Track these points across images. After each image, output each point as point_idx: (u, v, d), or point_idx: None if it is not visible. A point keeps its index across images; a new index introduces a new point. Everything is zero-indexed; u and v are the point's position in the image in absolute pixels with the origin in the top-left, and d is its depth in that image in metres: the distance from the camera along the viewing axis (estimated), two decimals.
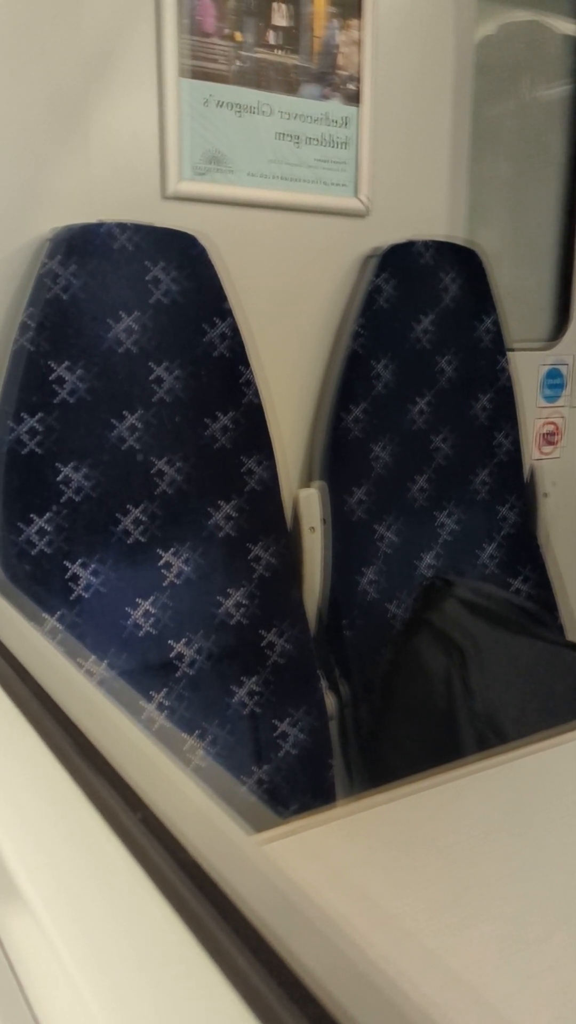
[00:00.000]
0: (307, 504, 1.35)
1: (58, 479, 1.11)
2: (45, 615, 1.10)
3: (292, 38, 1.30)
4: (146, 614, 1.17)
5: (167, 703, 1.17)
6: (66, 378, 1.11)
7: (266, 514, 1.27)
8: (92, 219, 1.14)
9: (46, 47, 1.13)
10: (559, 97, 1.70)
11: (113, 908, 0.34)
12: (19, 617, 0.74)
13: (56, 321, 1.10)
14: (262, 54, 1.28)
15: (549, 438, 1.74)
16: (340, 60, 1.35)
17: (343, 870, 0.58)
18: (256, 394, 1.25)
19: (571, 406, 1.76)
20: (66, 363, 1.10)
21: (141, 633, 1.16)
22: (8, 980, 0.36)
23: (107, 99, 1.18)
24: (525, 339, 1.67)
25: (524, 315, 1.69)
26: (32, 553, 1.09)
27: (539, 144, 1.69)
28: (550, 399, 1.72)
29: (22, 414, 1.08)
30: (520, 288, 1.69)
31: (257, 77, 1.28)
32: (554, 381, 1.72)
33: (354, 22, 1.35)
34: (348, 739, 1.36)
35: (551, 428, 1.74)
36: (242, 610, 1.24)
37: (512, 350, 1.53)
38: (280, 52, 1.29)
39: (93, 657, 1.12)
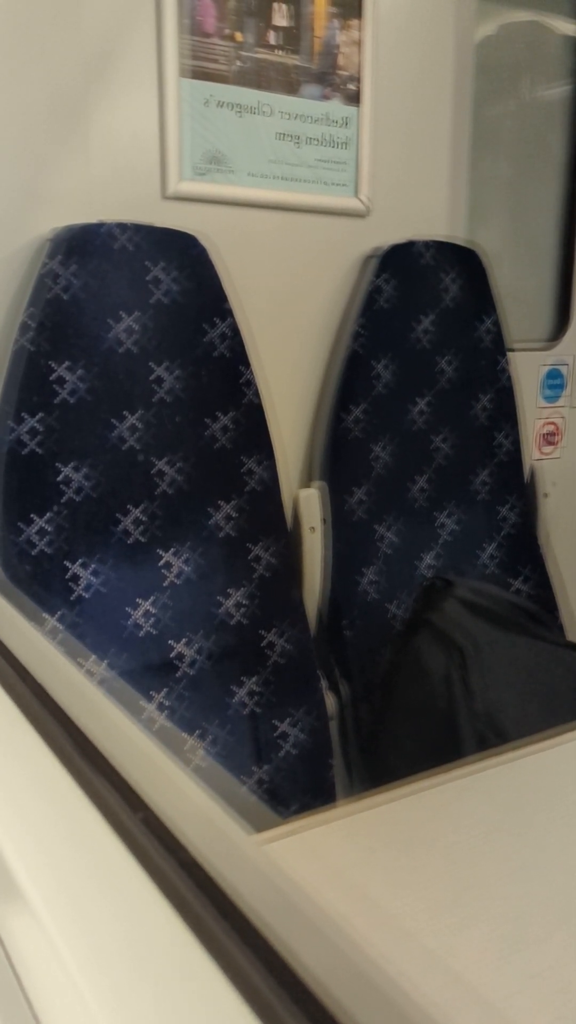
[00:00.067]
0: (307, 504, 1.35)
1: (58, 479, 1.11)
2: (45, 615, 1.10)
3: (292, 38, 1.30)
4: (146, 614, 1.17)
5: (167, 703, 1.17)
6: (66, 378, 1.11)
7: (266, 514, 1.27)
8: (92, 219, 1.15)
9: (46, 47, 1.13)
10: (559, 97, 1.70)
11: (114, 908, 0.34)
12: (19, 617, 0.74)
13: (56, 321, 1.10)
14: (262, 54, 1.28)
15: (549, 438, 1.74)
16: (340, 60, 1.35)
17: (343, 870, 0.59)
18: (256, 394, 1.25)
19: (571, 406, 1.76)
20: (66, 363, 1.10)
21: (141, 633, 1.16)
22: (9, 980, 0.36)
23: (107, 99, 1.18)
24: (525, 339, 1.67)
25: (524, 315, 1.69)
26: (32, 553, 1.09)
27: (539, 144, 1.69)
28: (550, 399, 1.73)
29: (22, 414, 1.08)
30: (520, 288, 1.69)
31: (257, 77, 1.28)
32: (554, 381, 1.72)
33: (354, 22, 1.35)
34: (348, 739, 1.36)
35: (551, 428, 1.74)
36: (242, 610, 1.24)
37: (512, 350, 1.53)
38: (280, 52, 1.29)
39: (93, 657, 1.12)
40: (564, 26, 1.66)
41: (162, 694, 1.17)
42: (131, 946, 0.32)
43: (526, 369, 1.63)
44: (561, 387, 1.73)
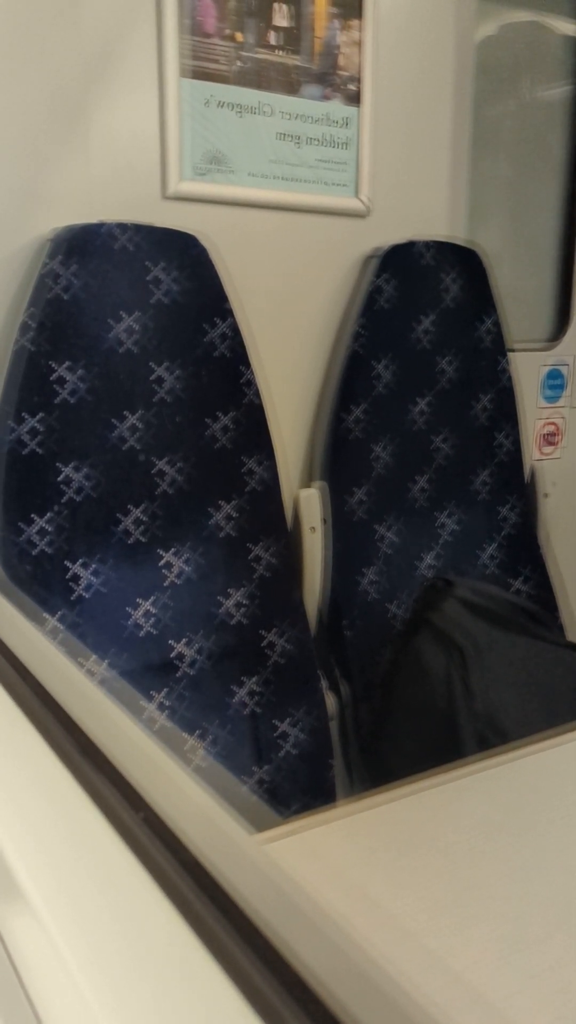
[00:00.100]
0: (307, 504, 1.35)
1: (59, 479, 1.11)
2: (46, 615, 1.10)
3: (293, 39, 1.30)
4: (147, 614, 1.17)
5: (168, 703, 1.17)
6: (67, 378, 1.11)
7: (267, 514, 1.27)
8: (93, 219, 1.15)
9: (47, 47, 1.13)
10: (559, 97, 1.70)
11: (115, 907, 0.34)
12: (20, 617, 0.74)
13: (57, 321, 1.10)
14: (263, 54, 1.28)
15: (549, 438, 1.74)
16: (341, 61, 1.35)
17: (344, 870, 0.59)
18: (257, 394, 1.25)
19: (571, 406, 1.76)
20: (67, 363, 1.11)
21: (142, 633, 1.16)
22: (11, 979, 0.36)
23: (108, 99, 1.18)
24: (526, 339, 1.67)
25: (525, 315, 1.69)
26: (33, 553, 1.09)
27: (539, 144, 1.69)
28: (550, 399, 1.73)
29: (23, 414, 1.08)
30: (521, 288, 1.69)
31: (258, 77, 1.28)
32: (554, 382, 1.72)
33: (355, 23, 1.35)
34: (348, 739, 1.36)
35: (551, 428, 1.74)
36: (243, 610, 1.24)
37: (513, 350, 1.53)
38: (281, 53, 1.29)
39: (94, 657, 1.12)
40: (564, 26, 1.66)
41: (162, 694, 1.17)
42: (132, 945, 0.32)
43: (526, 369, 1.64)
44: (561, 387, 1.73)
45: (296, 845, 0.61)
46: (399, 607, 1.40)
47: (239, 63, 1.26)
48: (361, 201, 1.41)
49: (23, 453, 1.08)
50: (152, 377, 1.17)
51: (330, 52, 1.34)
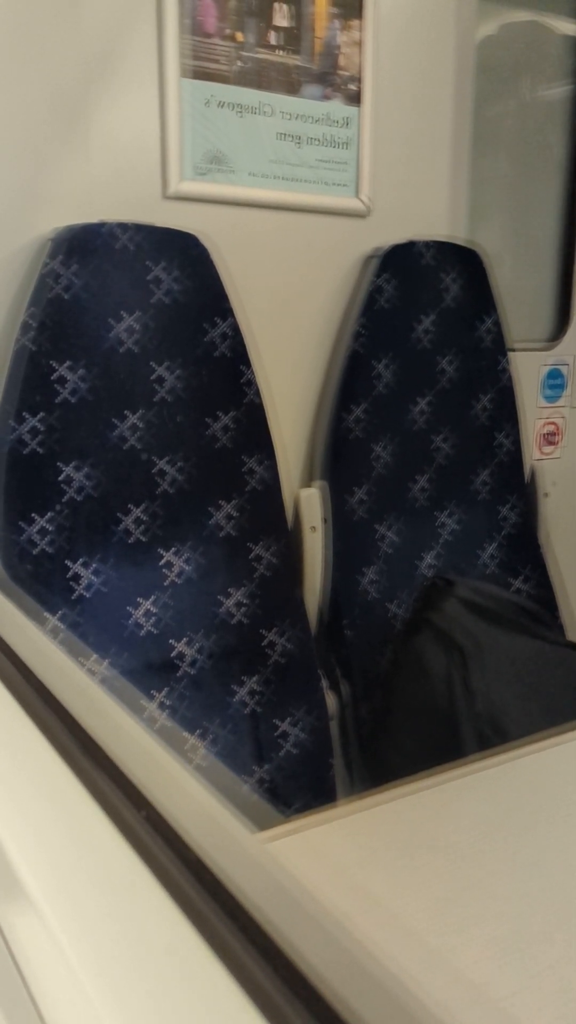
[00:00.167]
0: (308, 504, 1.35)
1: (59, 479, 1.11)
2: (47, 614, 1.10)
3: (293, 39, 1.30)
4: (147, 613, 1.17)
5: (168, 702, 1.17)
6: (68, 378, 1.11)
7: (267, 514, 1.27)
8: (93, 219, 1.15)
9: (47, 47, 1.13)
10: (559, 97, 1.70)
11: (117, 905, 0.34)
12: (21, 616, 0.74)
13: (58, 321, 1.10)
14: (263, 54, 1.28)
15: (550, 438, 1.74)
16: (341, 60, 1.35)
17: (345, 869, 0.59)
18: (257, 394, 1.25)
19: (572, 406, 1.76)
20: (68, 363, 1.11)
21: (142, 632, 1.17)
22: (13, 977, 0.36)
23: (108, 99, 1.18)
24: (526, 339, 1.67)
25: (525, 315, 1.69)
26: (34, 552, 1.09)
27: (540, 144, 1.69)
28: (551, 399, 1.73)
29: (24, 414, 1.08)
30: (521, 288, 1.69)
31: (258, 77, 1.28)
32: (555, 381, 1.72)
33: (355, 23, 1.35)
34: (349, 738, 1.36)
35: (552, 428, 1.74)
36: (243, 609, 1.24)
37: (513, 350, 1.53)
38: (281, 52, 1.29)
39: (95, 656, 1.12)
40: (564, 26, 1.66)
41: (163, 693, 1.17)
42: (134, 943, 0.32)
43: (526, 369, 1.64)
44: (561, 387, 1.74)
45: (297, 844, 0.61)
46: (399, 607, 1.40)
47: (239, 63, 1.26)
48: (361, 201, 1.41)
49: (24, 452, 1.09)
50: (153, 377, 1.17)
51: (330, 52, 1.34)
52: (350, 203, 1.40)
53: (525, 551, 1.54)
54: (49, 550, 1.10)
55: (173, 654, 1.18)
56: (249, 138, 1.29)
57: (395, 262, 1.38)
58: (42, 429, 1.09)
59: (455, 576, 1.43)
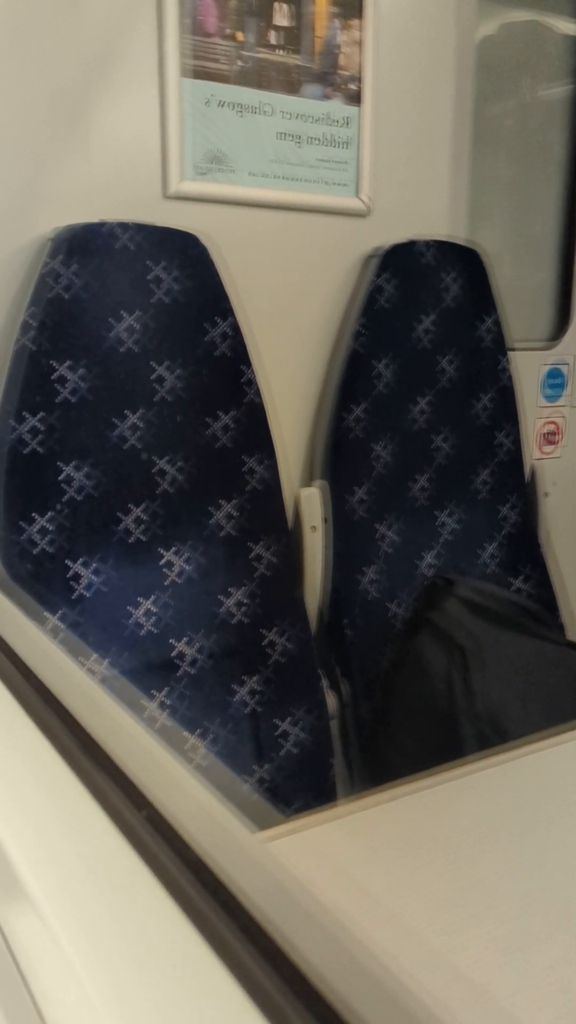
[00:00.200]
0: (308, 503, 1.35)
1: (60, 478, 1.11)
2: (47, 614, 1.10)
3: (293, 38, 1.30)
4: (147, 613, 1.17)
5: (169, 702, 1.17)
6: (68, 377, 1.11)
7: (267, 513, 1.27)
8: (94, 219, 1.15)
9: (47, 47, 1.13)
10: (560, 97, 1.70)
11: (118, 905, 0.34)
12: (21, 616, 0.74)
13: (58, 320, 1.10)
14: (263, 54, 1.28)
15: (550, 438, 1.74)
16: (341, 60, 1.35)
17: (345, 868, 0.59)
18: (257, 393, 1.25)
19: (572, 406, 1.76)
20: (68, 362, 1.11)
21: (143, 632, 1.17)
22: (13, 977, 0.36)
23: (108, 99, 1.18)
24: (526, 339, 1.67)
25: (525, 315, 1.69)
26: (34, 552, 1.09)
27: (540, 144, 1.69)
28: (551, 399, 1.73)
29: (24, 413, 1.08)
30: (521, 288, 1.69)
31: (258, 77, 1.28)
32: (555, 381, 1.72)
33: (355, 22, 1.35)
34: (349, 738, 1.36)
35: (552, 428, 1.74)
36: (243, 609, 1.24)
37: (513, 350, 1.53)
38: (281, 52, 1.29)
39: (95, 656, 1.13)
40: (564, 26, 1.66)
41: (163, 693, 1.17)
42: (134, 943, 0.32)
43: (527, 368, 1.64)
44: (562, 386, 1.74)
45: (297, 843, 0.61)
46: (400, 606, 1.40)
47: (240, 62, 1.26)
48: (362, 200, 1.41)
49: (24, 452, 1.09)
50: (153, 376, 1.17)
51: (331, 51, 1.34)
52: (350, 203, 1.40)
53: (525, 551, 1.54)
54: (49, 550, 1.10)
55: (173, 654, 1.18)
56: (249, 138, 1.29)
57: (395, 262, 1.38)
58: (42, 429, 1.09)
59: (455, 576, 1.43)
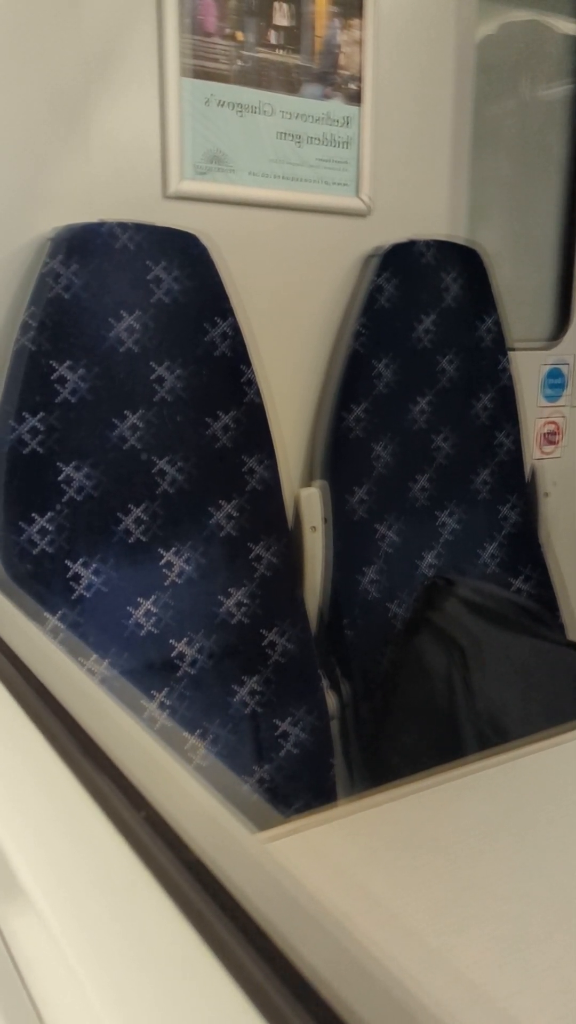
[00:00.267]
0: (308, 503, 1.35)
1: (59, 478, 1.11)
2: (47, 614, 1.10)
3: (293, 38, 1.30)
4: (147, 613, 1.17)
5: (168, 702, 1.17)
6: (68, 377, 1.11)
7: (267, 513, 1.27)
8: (93, 218, 1.15)
9: (47, 47, 1.13)
10: (560, 97, 1.70)
11: (117, 906, 0.34)
12: (21, 616, 0.74)
13: (58, 320, 1.10)
14: (263, 54, 1.28)
15: (550, 438, 1.74)
16: (341, 60, 1.35)
17: (345, 869, 0.59)
18: (257, 393, 1.25)
19: (572, 406, 1.76)
20: (68, 362, 1.11)
21: (143, 632, 1.16)
22: (12, 978, 0.36)
23: (108, 99, 1.18)
24: (526, 339, 1.67)
25: (525, 315, 1.69)
26: (34, 552, 1.09)
27: (540, 144, 1.69)
28: (551, 399, 1.73)
29: (24, 413, 1.08)
30: (521, 288, 1.69)
31: (258, 77, 1.28)
32: (555, 381, 1.72)
33: (356, 22, 1.35)
34: (349, 738, 1.36)
35: (552, 428, 1.74)
36: (243, 609, 1.24)
37: (513, 350, 1.53)
38: (281, 52, 1.29)
39: (95, 656, 1.12)
40: (564, 25, 1.66)
41: (163, 693, 1.17)
42: (134, 944, 0.32)
43: (527, 368, 1.64)
44: (562, 386, 1.73)
45: (297, 844, 0.61)
46: (400, 606, 1.40)
47: (240, 62, 1.26)
48: (362, 200, 1.41)
49: (24, 452, 1.09)
50: (153, 376, 1.17)
51: (331, 51, 1.34)
52: (350, 202, 1.40)
53: (525, 551, 1.54)
54: (49, 550, 1.10)
55: (173, 654, 1.18)
56: (249, 137, 1.29)
57: (395, 261, 1.38)
58: (42, 429, 1.09)
59: (455, 576, 1.43)
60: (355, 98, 1.37)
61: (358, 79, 1.37)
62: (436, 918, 0.53)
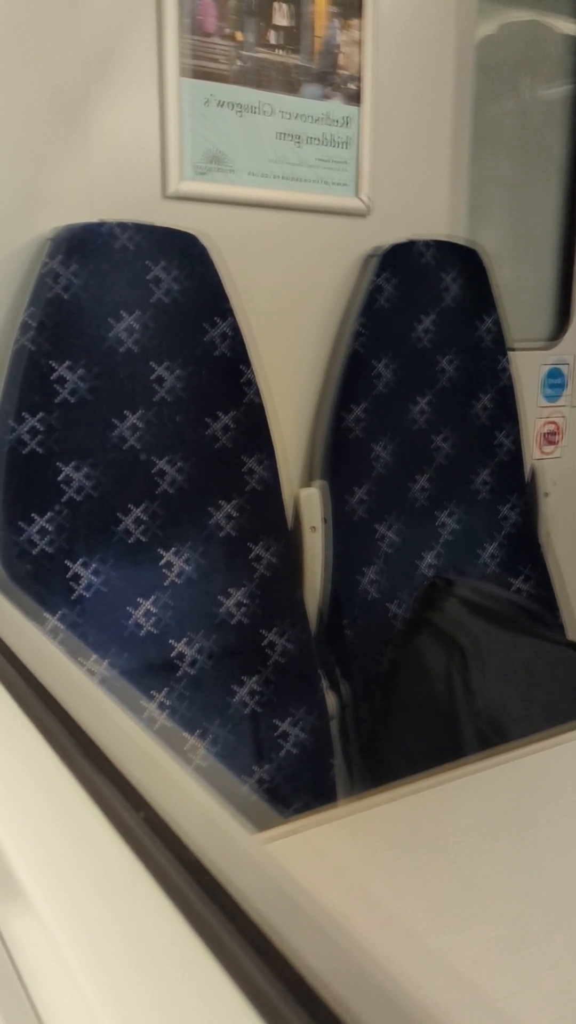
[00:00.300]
0: (308, 503, 1.35)
1: (59, 479, 1.11)
2: (47, 614, 1.10)
3: (293, 38, 1.30)
4: (147, 613, 1.17)
5: (168, 702, 1.17)
6: (67, 377, 1.11)
7: (267, 513, 1.27)
8: (93, 219, 1.15)
9: (47, 47, 1.13)
10: (559, 97, 1.70)
11: (116, 906, 0.34)
12: (21, 616, 0.74)
13: (57, 320, 1.10)
14: (263, 54, 1.28)
15: (550, 438, 1.74)
16: (341, 60, 1.35)
17: (344, 869, 0.59)
18: (257, 393, 1.25)
19: (572, 406, 1.76)
20: (67, 362, 1.11)
21: (142, 632, 1.16)
22: (11, 979, 0.36)
23: (108, 99, 1.18)
24: (526, 339, 1.67)
25: (525, 315, 1.69)
26: (33, 552, 1.09)
27: (539, 144, 1.69)
28: (551, 399, 1.73)
29: (23, 413, 1.08)
30: (521, 288, 1.69)
31: (258, 77, 1.28)
32: (555, 381, 1.72)
33: (355, 22, 1.35)
34: (349, 738, 1.36)
35: (552, 428, 1.74)
36: (243, 609, 1.24)
37: (513, 350, 1.53)
38: (281, 52, 1.29)
39: (94, 656, 1.12)
40: (564, 26, 1.66)
41: (163, 693, 1.17)
42: (133, 945, 0.32)
43: (527, 368, 1.64)
44: (562, 386, 1.73)
45: (297, 844, 0.61)
46: (400, 606, 1.40)
47: (239, 62, 1.26)
48: (361, 200, 1.41)
49: (23, 452, 1.09)
50: (152, 376, 1.17)
51: (330, 51, 1.34)
52: (350, 202, 1.40)
53: (525, 551, 1.54)
54: (49, 550, 1.10)
55: (173, 654, 1.18)
56: (249, 138, 1.29)
57: (395, 261, 1.38)
58: (41, 429, 1.09)
59: (455, 576, 1.43)
60: (354, 98, 1.37)
61: (357, 79, 1.37)
62: (436, 918, 0.53)
